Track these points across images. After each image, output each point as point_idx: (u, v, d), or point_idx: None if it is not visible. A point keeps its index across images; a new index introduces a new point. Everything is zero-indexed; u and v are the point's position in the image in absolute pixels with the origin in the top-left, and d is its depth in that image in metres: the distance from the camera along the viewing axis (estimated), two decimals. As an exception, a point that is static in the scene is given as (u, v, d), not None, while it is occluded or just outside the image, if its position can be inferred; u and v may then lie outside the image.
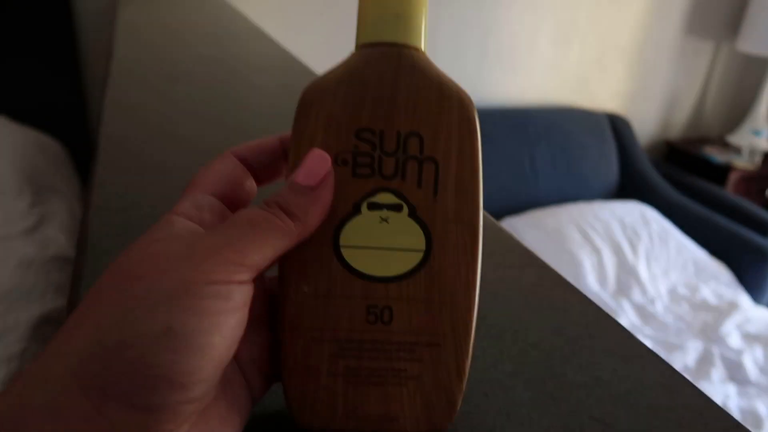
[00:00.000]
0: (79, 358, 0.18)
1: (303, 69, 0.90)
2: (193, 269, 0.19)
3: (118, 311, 0.18)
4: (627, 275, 1.71)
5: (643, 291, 1.69)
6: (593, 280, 1.67)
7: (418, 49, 0.24)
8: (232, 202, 0.24)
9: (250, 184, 0.26)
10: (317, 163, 0.22)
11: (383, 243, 0.22)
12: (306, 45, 1.64)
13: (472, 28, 1.89)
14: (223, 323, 0.19)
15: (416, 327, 0.23)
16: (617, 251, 1.76)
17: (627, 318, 1.59)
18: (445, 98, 0.23)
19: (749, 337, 1.55)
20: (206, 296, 0.19)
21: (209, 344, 0.18)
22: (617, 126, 2.19)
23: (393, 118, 0.23)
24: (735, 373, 1.44)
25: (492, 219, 0.46)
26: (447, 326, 0.23)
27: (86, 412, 0.17)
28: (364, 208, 0.23)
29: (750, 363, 1.45)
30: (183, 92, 0.72)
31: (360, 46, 0.24)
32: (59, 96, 1.40)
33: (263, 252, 0.20)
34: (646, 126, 2.40)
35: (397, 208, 0.22)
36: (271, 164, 0.26)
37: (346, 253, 0.22)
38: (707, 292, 1.72)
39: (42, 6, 1.31)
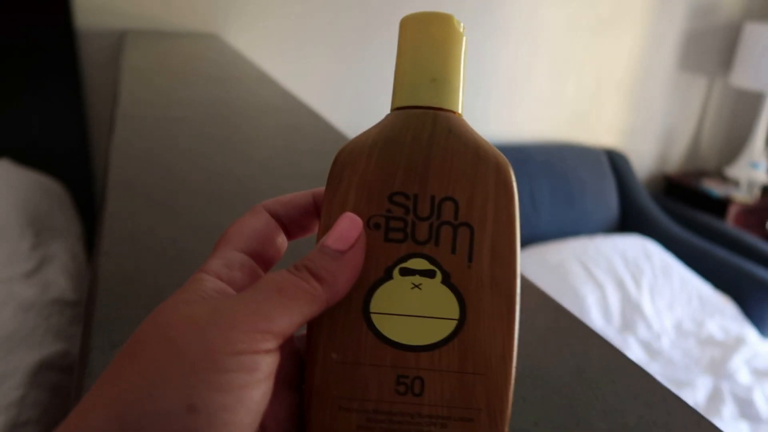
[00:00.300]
0: None
1: (306, 111, 0.91)
2: (218, 337, 0.18)
3: (140, 384, 0.18)
4: (631, 310, 1.70)
5: (649, 326, 1.67)
6: (598, 315, 1.66)
7: (454, 113, 0.24)
8: (263, 258, 0.24)
9: (281, 239, 0.25)
10: (348, 227, 0.22)
11: (415, 310, 0.22)
12: (309, 87, 1.66)
13: (467, 65, 1.92)
14: (248, 397, 0.18)
15: (449, 400, 0.21)
16: (621, 286, 1.75)
17: (633, 354, 1.56)
18: (481, 162, 0.23)
19: (758, 373, 1.52)
20: (230, 369, 0.18)
21: (233, 421, 0.18)
22: (615, 161, 2.20)
23: (427, 182, 0.22)
24: (746, 410, 1.41)
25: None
26: (482, 400, 0.21)
27: None
28: (396, 273, 0.22)
29: (761, 399, 1.43)
30: (189, 135, 0.73)
31: (395, 109, 0.24)
32: (62, 137, 1.41)
33: (291, 318, 0.20)
34: (644, 160, 2.41)
35: (430, 274, 0.22)
36: (302, 219, 0.26)
37: (377, 320, 0.22)
38: (713, 327, 1.70)
39: (48, 48, 1.33)
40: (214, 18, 1.52)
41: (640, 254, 1.86)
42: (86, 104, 1.44)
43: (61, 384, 0.88)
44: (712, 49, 2.35)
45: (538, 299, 0.41)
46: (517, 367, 0.21)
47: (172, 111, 0.83)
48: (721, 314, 1.76)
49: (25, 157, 1.34)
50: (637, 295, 1.74)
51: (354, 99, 1.76)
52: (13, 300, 0.97)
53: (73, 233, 1.25)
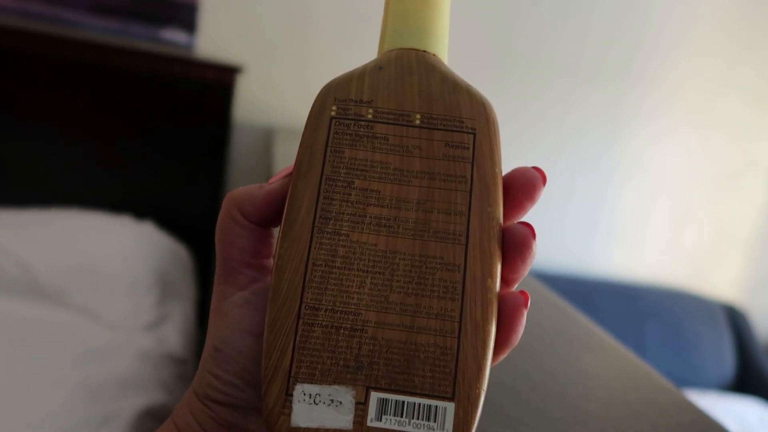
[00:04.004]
0: None
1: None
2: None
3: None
4: (744, 485, 1.52)
5: (764, 507, 1.48)
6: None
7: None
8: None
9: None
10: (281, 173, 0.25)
11: None
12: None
13: (582, 198, 1.94)
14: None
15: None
16: (733, 454, 1.58)
17: None
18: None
19: None
20: None
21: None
22: (734, 318, 2.06)
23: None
24: None
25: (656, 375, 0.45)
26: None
27: None
28: None
29: None
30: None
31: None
32: (200, 211, 1.55)
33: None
34: (767, 321, 2.24)
35: None
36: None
37: None
38: None
39: (207, 134, 1.51)
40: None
41: (757, 421, 1.68)
42: (226, 185, 1.60)
43: (159, 433, 0.92)
44: None
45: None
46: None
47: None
48: None
49: (166, 221, 1.49)
50: (751, 468, 1.56)
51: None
52: (133, 347, 1.05)
53: (190, 296, 1.35)
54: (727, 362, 1.97)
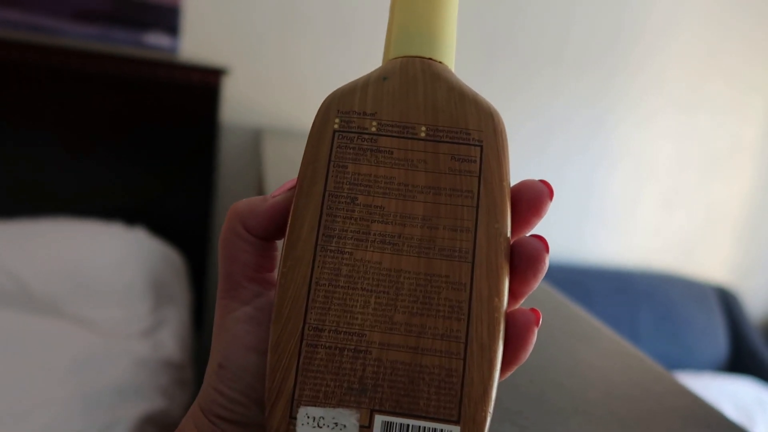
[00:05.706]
0: None
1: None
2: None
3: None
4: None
5: (762, 485, 1.50)
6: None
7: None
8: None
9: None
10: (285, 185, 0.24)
11: None
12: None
13: (571, 186, 1.95)
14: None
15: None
16: (729, 434, 1.60)
17: None
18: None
19: None
20: None
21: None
22: (726, 299, 2.08)
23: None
24: None
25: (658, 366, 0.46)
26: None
27: None
28: None
29: None
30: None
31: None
32: (191, 214, 1.55)
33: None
34: (758, 302, 2.26)
35: None
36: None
37: None
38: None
39: (194, 135, 1.50)
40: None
41: (752, 401, 1.71)
42: (216, 188, 1.59)
43: (160, 439, 0.92)
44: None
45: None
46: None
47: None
48: None
49: (157, 225, 1.48)
50: (748, 447, 1.58)
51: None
52: (129, 355, 1.05)
53: (184, 301, 1.35)
54: (720, 343, 1.99)
